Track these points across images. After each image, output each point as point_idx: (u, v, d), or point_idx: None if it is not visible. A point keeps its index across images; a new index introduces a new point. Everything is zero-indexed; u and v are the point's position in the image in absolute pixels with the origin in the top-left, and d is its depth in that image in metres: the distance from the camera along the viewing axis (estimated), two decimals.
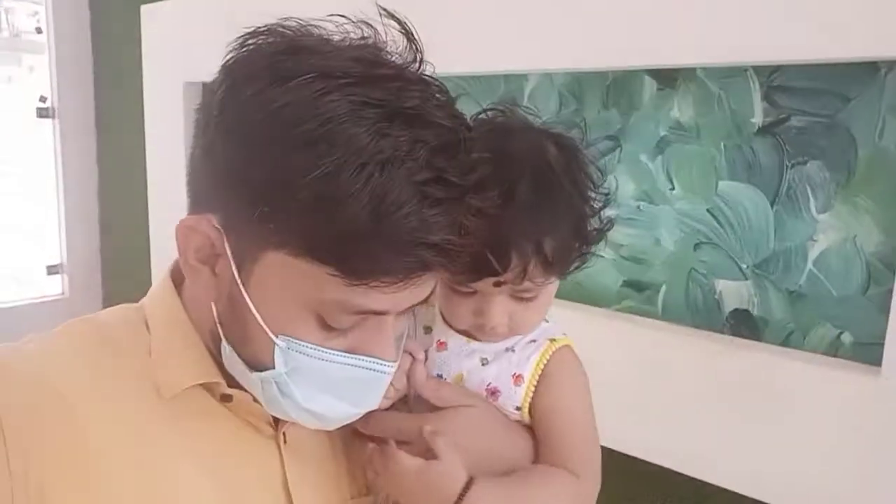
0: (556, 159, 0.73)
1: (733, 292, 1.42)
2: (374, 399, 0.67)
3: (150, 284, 0.76)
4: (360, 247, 0.55)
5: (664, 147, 1.49)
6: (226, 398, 0.69)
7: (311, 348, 0.62)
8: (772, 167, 1.35)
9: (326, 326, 0.61)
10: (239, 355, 0.65)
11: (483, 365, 0.77)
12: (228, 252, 0.62)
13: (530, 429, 0.76)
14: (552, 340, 0.79)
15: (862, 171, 1.25)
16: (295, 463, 0.73)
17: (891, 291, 1.19)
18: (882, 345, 1.19)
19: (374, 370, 0.63)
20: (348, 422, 0.69)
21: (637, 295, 1.55)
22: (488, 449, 0.73)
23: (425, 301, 0.65)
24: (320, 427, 0.69)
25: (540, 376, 0.76)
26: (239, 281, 0.62)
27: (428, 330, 0.77)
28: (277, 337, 0.61)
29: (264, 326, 0.61)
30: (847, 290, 1.28)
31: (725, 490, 1.36)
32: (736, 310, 1.41)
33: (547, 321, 0.81)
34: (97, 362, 0.66)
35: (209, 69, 0.67)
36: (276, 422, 0.71)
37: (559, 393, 0.76)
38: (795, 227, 1.33)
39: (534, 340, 0.78)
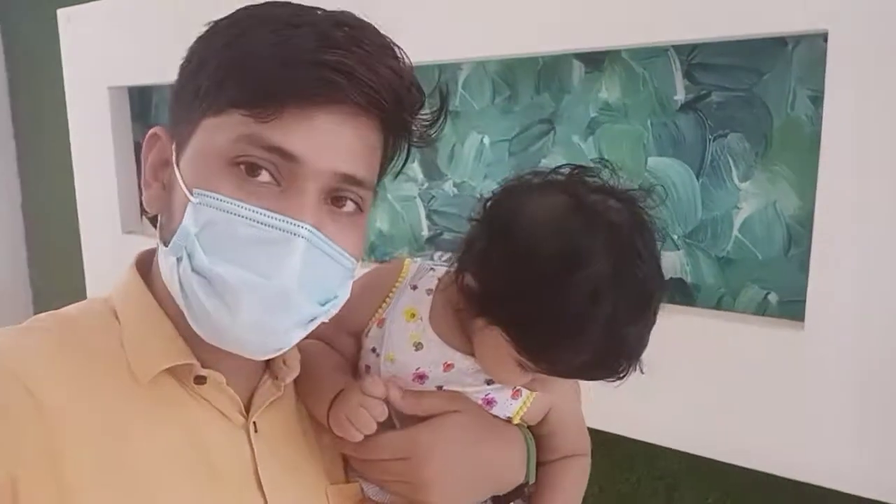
0: (643, 249, 0.67)
1: (667, 262, 1.49)
2: (283, 270, 0.60)
3: (83, 296, 0.75)
4: (262, 72, 0.60)
5: (595, 128, 1.54)
6: (199, 380, 0.68)
7: (221, 200, 0.61)
8: (695, 141, 1.42)
9: (242, 179, 0.61)
10: (164, 242, 0.65)
11: (488, 384, 0.77)
12: (173, 149, 0.66)
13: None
14: None
15: (777, 140, 1.33)
16: (266, 452, 0.72)
17: (809, 251, 1.27)
18: (804, 301, 1.27)
19: (284, 230, 0.60)
20: (263, 318, 0.62)
21: None
22: (479, 448, 0.74)
23: (354, 183, 0.63)
24: (256, 350, 0.64)
25: (538, 395, 0.79)
26: (174, 161, 0.65)
27: (419, 346, 0.75)
28: (192, 192, 0.62)
29: (183, 186, 0.63)
30: (770, 252, 1.37)
31: (670, 450, 1.43)
32: (670, 278, 1.48)
33: None
34: (66, 356, 0.65)
35: (133, 73, 0.72)
36: (248, 410, 0.71)
37: (566, 409, 0.81)
38: (720, 196, 1.41)
39: None
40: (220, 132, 0.63)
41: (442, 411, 0.75)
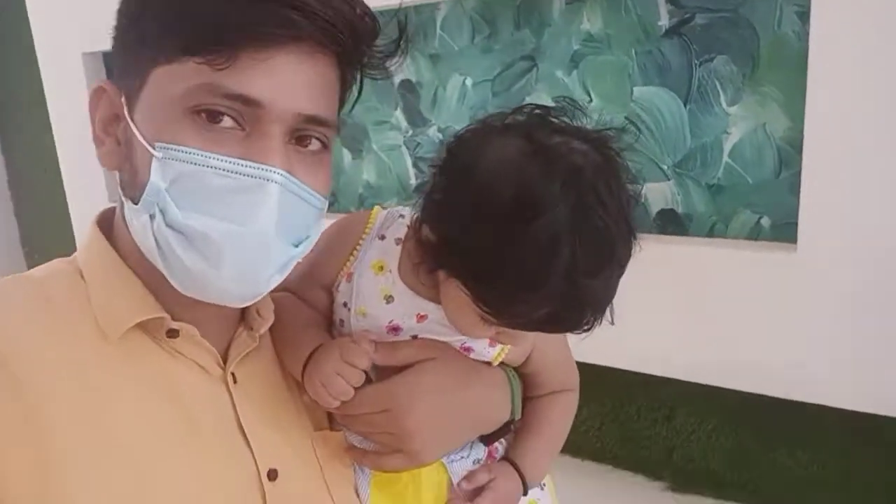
0: (611, 192, 0.62)
1: (657, 194, 1.47)
2: (259, 216, 0.60)
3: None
4: (212, 15, 0.57)
5: (578, 61, 1.51)
6: (172, 334, 0.67)
7: (188, 152, 0.59)
8: (681, 67, 1.39)
9: (203, 127, 0.59)
10: (132, 200, 0.62)
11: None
12: (123, 102, 0.63)
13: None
14: None
15: (765, 60, 1.30)
16: (247, 402, 0.70)
17: (800, 173, 1.26)
18: (796, 224, 1.26)
19: (257, 176, 0.59)
20: (242, 263, 0.62)
21: None
22: (460, 392, 0.73)
23: (318, 123, 0.61)
24: (237, 298, 0.64)
25: None
26: (127, 115, 0.62)
27: (389, 299, 0.73)
28: (154, 147, 0.59)
29: (142, 141, 0.60)
30: (761, 176, 1.35)
31: (667, 379, 1.44)
32: (662, 210, 1.47)
33: None
34: (33, 318, 0.63)
35: (107, 38, 0.67)
36: (225, 362, 0.71)
37: (547, 348, 0.78)
38: (709, 122, 1.38)
39: None
40: (174, 82, 0.59)
41: (418, 359, 0.73)
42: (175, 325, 0.66)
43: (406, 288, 0.73)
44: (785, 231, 1.32)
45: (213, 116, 0.60)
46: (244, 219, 0.60)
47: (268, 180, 0.60)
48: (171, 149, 0.59)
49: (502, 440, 0.80)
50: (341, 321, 0.77)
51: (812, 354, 1.23)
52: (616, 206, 0.61)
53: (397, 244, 0.75)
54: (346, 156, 1.96)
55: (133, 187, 0.63)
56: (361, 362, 0.69)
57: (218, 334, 0.71)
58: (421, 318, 0.73)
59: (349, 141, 1.93)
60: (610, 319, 0.65)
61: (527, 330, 0.65)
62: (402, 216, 0.77)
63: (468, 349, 0.75)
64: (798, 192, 1.25)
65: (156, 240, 0.61)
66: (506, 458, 0.79)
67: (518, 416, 0.79)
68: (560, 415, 0.82)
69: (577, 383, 0.84)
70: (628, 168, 0.65)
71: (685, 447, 1.56)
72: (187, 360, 0.68)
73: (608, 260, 0.61)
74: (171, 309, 0.66)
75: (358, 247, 0.76)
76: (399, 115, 1.81)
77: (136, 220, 0.62)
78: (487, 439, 0.79)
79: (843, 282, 1.20)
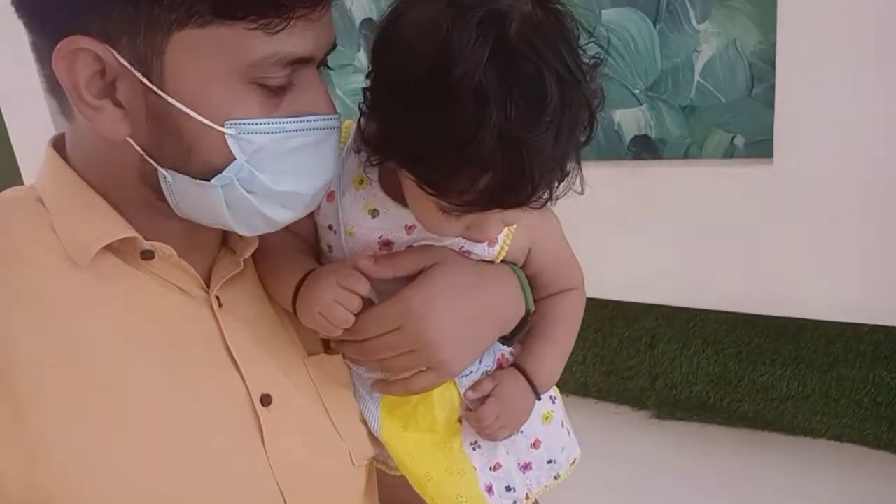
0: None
1: (631, 119, 1.44)
2: (332, 161, 0.63)
3: None
4: None
5: None
6: (147, 255, 0.63)
7: (260, 124, 0.57)
8: None
9: (265, 95, 0.57)
10: (187, 174, 0.58)
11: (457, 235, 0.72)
12: (126, 63, 0.55)
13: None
14: None
15: None
16: (234, 326, 0.67)
17: (773, 87, 1.24)
18: (771, 139, 1.25)
19: (325, 128, 0.61)
20: (316, 200, 0.64)
21: None
22: (473, 292, 0.71)
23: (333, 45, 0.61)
24: (273, 227, 0.64)
25: (515, 230, 0.74)
26: (155, 87, 0.55)
27: (375, 213, 0.70)
28: (224, 125, 0.56)
29: (205, 121, 0.56)
30: (734, 94, 1.33)
31: (648, 306, 1.44)
32: (636, 136, 1.45)
33: None
34: None
35: None
36: (208, 285, 0.67)
37: (546, 245, 0.75)
38: (679, 41, 1.35)
39: None
40: (222, 52, 0.54)
41: (422, 266, 0.69)
42: (149, 244, 0.62)
43: (388, 198, 0.69)
44: (759, 148, 1.31)
45: (277, 85, 0.58)
46: (321, 168, 0.63)
47: (334, 129, 0.62)
48: (245, 124, 0.57)
49: (512, 349, 0.78)
50: (329, 247, 0.73)
51: (791, 268, 1.23)
52: (553, 53, 0.56)
53: None
54: None
55: (186, 162, 0.58)
56: (361, 288, 0.66)
57: (198, 257, 0.67)
58: (409, 228, 0.70)
59: None
60: (578, 189, 0.62)
61: (479, 207, 0.60)
62: None
63: (467, 252, 0.72)
64: (773, 106, 1.23)
65: (227, 204, 0.60)
66: (513, 364, 0.76)
67: (532, 309, 0.77)
68: (566, 315, 0.79)
69: (582, 280, 0.81)
70: (574, 20, 0.61)
71: (668, 374, 1.56)
72: (167, 282, 0.64)
73: (542, 111, 0.55)
74: (144, 232, 0.62)
75: None
76: (362, 57, 1.75)
77: (199, 192, 0.59)
78: (508, 341, 0.77)
79: (820, 194, 1.19)
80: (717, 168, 1.30)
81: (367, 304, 0.68)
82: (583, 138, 0.60)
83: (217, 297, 0.67)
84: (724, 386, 1.51)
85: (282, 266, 0.72)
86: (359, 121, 0.66)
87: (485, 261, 0.74)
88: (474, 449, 0.75)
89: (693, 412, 1.57)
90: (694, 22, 1.32)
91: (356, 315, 0.67)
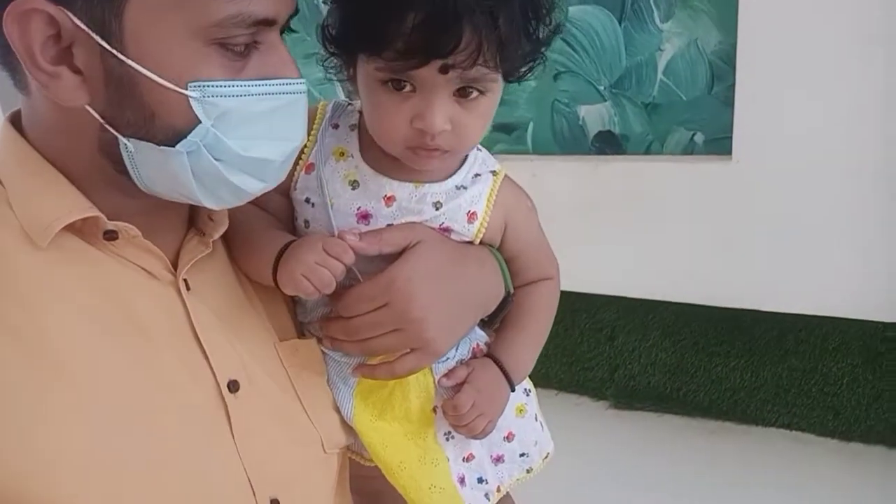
0: None
1: (595, 115, 1.47)
2: (301, 126, 0.62)
3: None
4: None
5: None
6: (110, 236, 0.61)
7: (225, 86, 0.56)
8: None
9: (229, 58, 0.56)
10: (150, 140, 0.56)
11: (437, 209, 0.72)
12: (82, 25, 0.53)
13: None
14: (494, 173, 0.76)
15: None
16: (202, 309, 0.65)
17: (732, 87, 1.27)
18: (730, 138, 1.29)
19: (292, 92, 0.60)
20: (285, 168, 0.63)
21: (507, 137, 1.58)
22: (457, 270, 0.71)
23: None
24: (241, 198, 0.63)
25: (493, 208, 0.75)
26: (114, 51, 0.54)
27: (355, 185, 0.71)
28: (187, 87, 0.55)
29: (168, 84, 0.54)
30: (694, 92, 1.36)
31: (608, 298, 1.46)
32: (599, 132, 1.47)
33: (479, 150, 0.79)
34: None
35: None
36: (175, 267, 0.65)
37: (523, 226, 0.76)
38: (643, 40, 1.38)
39: (478, 174, 0.75)
40: (182, 12, 0.54)
41: (405, 243, 0.69)
42: (111, 224, 0.60)
43: (370, 169, 0.70)
44: (717, 146, 1.35)
45: (241, 47, 0.56)
46: (289, 133, 0.61)
47: (301, 93, 0.61)
48: (209, 86, 0.55)
49: (487, 340, 0.78)
50: (306, 222, 0.73)
51: (747, 262, 1.27)
52: None
53: (352, 130, 0.72)
54: None
55: (149, 128, 0.55)
56: (347, 257, 0.65)
57: (165, 239, 0.65)
58: (389, 200, 0.70)
59: None
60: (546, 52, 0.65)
61: (416, 56, 0.61)
62: (350, 104, 0.74)
63: (447, 229, 0.73)
64: (732, 104, 1.26)
65: (193, 172, 0.57)
66: (487, 354, 0.76)
67: (511, 290, 0.77)
68: (540, 304, 0.80)
69: (557, 271, 0.82)
70: None
71: (627, 365, 1.60)
72: (132, 264, 0.62)
73: None
74: (107, 211, 0.60)
75: (311, 137, 0.73)
76: None
77: (163, 160, 0.56)
78: (487, 325, 0.77)
79: (776, 191, 1.23)
80: (679, 164, 1.33)
81: (352, 283, 0.69)
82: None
83: (185, 281, 0.65)
84: (681, 377, 1.55)
85: (259, 239, 0.71)
86: (323, 27, 0.68)
87: (464, 241, 0.75)
88: (448, 439, 0.75)
89: (651, 402, 1.61)
90: (658, 21, 1.35)
91: (341, 294, 0.67)
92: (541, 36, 0.66)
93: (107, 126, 0.56)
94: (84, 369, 0.57)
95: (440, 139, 0.66)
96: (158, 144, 0.56)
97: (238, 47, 0.56)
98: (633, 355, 1.58)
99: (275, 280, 0.67)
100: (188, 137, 0.56)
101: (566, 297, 1.48)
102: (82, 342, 0.58)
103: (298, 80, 0.61)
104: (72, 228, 0.58)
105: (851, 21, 1.12)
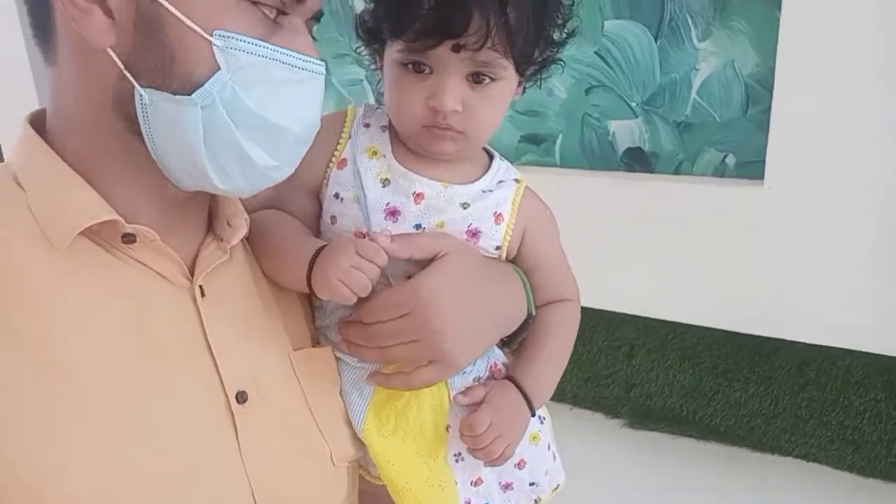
0: None
1: (625, 131, 1.46)
2: (317, 108, 0.63)
3: None
4: None
5: None
6: (128, 239, 0.61)
7: (253, 43, 0.56)
8: (653, 1, 1.36)
9: (257, 19, 0.57)
10: (166, 89, 0.56)
11: (464, 209, 0.73)
12: None
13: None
14: (517, 181, 0.77)
15: None
16: (217, 318, 0.65)
17: (768, 110, 1.25)
18: (763, 161, 1.27)
19: (313, 70, 0.61)
20: (299, 150, 0.63)
21: (536, 148, 1.57)
22: (481, 286, 0.71)
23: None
24: (256, 188, 0.63)
25: (517, 213, 0.75)
26: None
27: (385, 182, 0.72)
28: (213, 34, 0.55)
29: (195, 27, 0.54)
30: (729, 114, 1.34)
31: (628, 317, 1.45)
32: (629, 148, 1.46)
33: (502, 159, 0.79)
34: None
35: None
36: (192, 273, 0.65)
37: (542, 235, 0.76)
38: (679, 58, 1.36)
39: (502, 181, 0.76)
40: None
41: (436, 251, 0.69)
42: (130, 228, 0.60)
43: (401, 167, 0.72)
44: (749, 169, 1.33)
45: (271, 10, 0.57)
46: (306, 105, 0.61)
47: (320, 74, 0.61)
48: (234, 38, 0.55)
49: (505, 361, 0.78)
50: (333, 217, 0.73)
51: (770, 289, 1.25)
52: None
53: (383, 131, 0.74)
54: None
55: (167, 74, 0.56)
56: (380, 259, 0.66)
57: (182, 243, 0.65)
58: (417, 197, 0.71)
59: None
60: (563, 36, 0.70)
61: (431, 36, 0.65)
62: (379, 107, 0.76)
63: (476, 232, 0.73)
64: (767, 129, 1.25)
65: (205, 138, 0.57)
66: (506, 376, 0.75)
67: (533, 312, 0.77)
68: (560, 326, 0.79)
69: (577, 293, 0.81)
70: None
71: (644, 385, 1.58)
72: (148, 269, 0.62)
73: None
74: (127, 215, 0.60)
75: (343, 136, 0.74)
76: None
77: (176, 114, 0.56)
78: (507, 344, 0.76)
79: (808, 218, 1.21)
80: (708, 186, 1.31)
81: (379, 289, 0.69)
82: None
83: (201, 287, 0.65)
84: (698, 399, 1.53)
85: (290, 245, 0.71)
86: (358, 17, 0.72)
87: (491, 257, 0.75)
88: (457, 461, 0.74)
89: (665, 423, 1.59)
90: (695, 40, 1.34)
91: (365, 299, 0.67)
92: (554, 37, 0.70)
93: (125, 73, 0.56)
94: (93, 377, 0.57)
95: (452, 119, 0.68)
96: (175, 94, 0.56)
97: (268, 9, 0.57)
98: (650, 375, 1.56)
99: (309, 285, 0.67)
100: (205, 86, 0.55)
101: (586, 312, 1.47)
102: (94, 349, 0.58)
103: (320, 62, 0.61)
104: (89, 232, 0.59)
105: (892, 52, 1.10)
